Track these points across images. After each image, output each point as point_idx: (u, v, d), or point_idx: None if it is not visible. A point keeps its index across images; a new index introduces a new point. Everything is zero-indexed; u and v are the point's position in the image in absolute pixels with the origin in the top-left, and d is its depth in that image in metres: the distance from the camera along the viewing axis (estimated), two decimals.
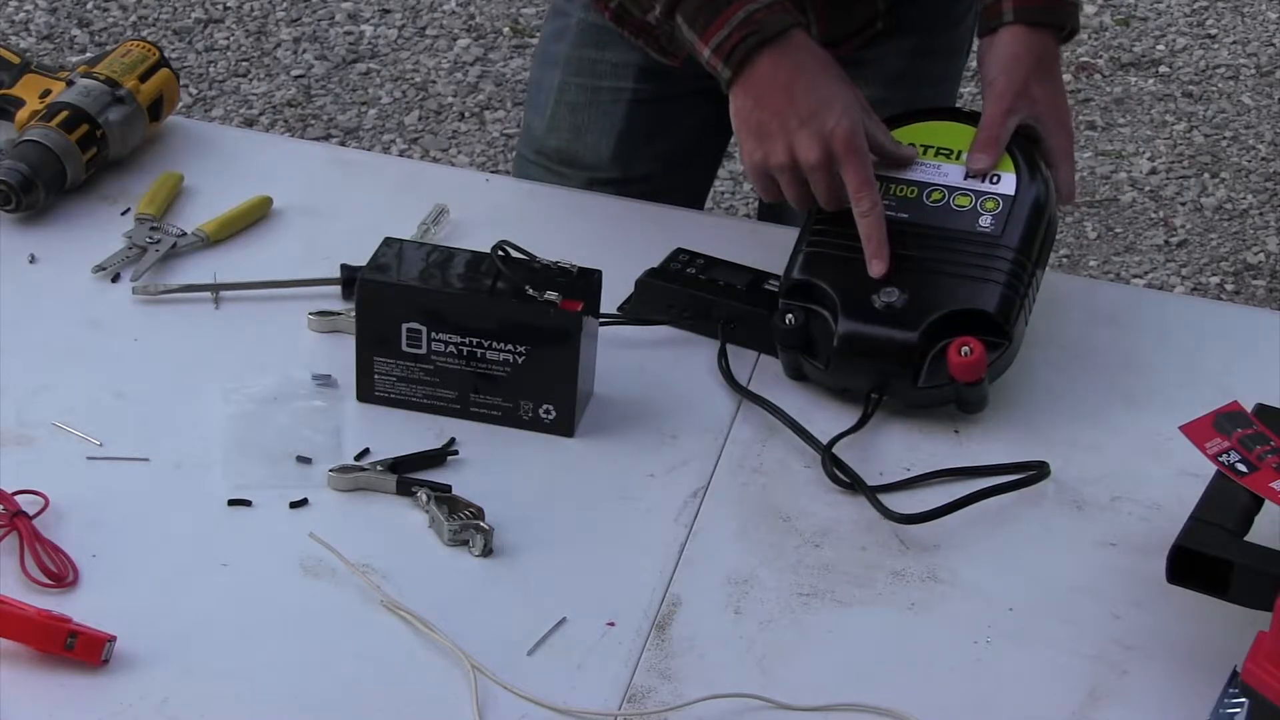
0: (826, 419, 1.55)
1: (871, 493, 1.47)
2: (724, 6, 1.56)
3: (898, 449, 1.54)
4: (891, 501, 1.47)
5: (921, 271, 1.56)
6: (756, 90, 1.56)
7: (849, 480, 1.49)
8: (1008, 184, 1.60)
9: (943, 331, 1.53)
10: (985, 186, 1.60)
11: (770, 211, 1.97)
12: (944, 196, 1.60)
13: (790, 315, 1.56)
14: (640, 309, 1.65)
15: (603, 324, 1.56)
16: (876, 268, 1.54)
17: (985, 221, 1.58)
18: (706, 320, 1.63)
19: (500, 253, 1.51)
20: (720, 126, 2.00)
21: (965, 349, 1.51)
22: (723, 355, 1.60)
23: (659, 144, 1.90)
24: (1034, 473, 1.50)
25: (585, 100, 1.86)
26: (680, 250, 1.69)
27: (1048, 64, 1.63)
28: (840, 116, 1.54)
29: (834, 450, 1.51)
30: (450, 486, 1.45)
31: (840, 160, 1.54)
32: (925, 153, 1.63)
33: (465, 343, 1.51)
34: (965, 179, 1.61)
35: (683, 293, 1.64)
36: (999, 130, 1.60)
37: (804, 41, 1.58)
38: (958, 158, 1.62)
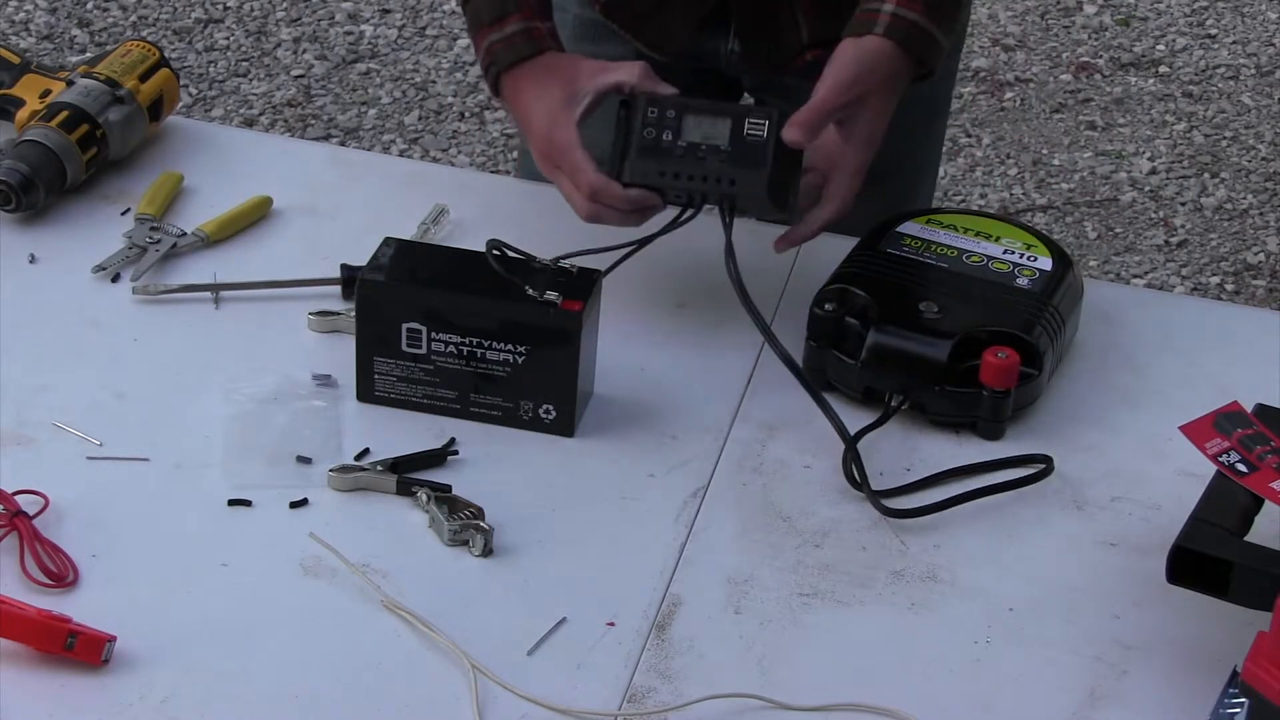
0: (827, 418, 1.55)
1: (875, 496, 1.47)
2: (478, 30, 1.65)
3: (898, 449, 1.54)
4: (897, 503, 1.47)
5: (959, 294, 1.59)
6: (509, 105, 1.65)
7: (858, 480, 1.49)
8: (1044, 264, 1.64)
9: (975, 351, 1.54)
10: (1023, 261, 1.64)
11: None
12: (982, 260, 1.64)
13: (829, 303, 1.57)
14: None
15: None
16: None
17: (1022, 282, 1.62)
18: (703, 202, 1.56)
19: (495, 252, 1.51)
20: None
21: (1001, 353, 1.53)
22: (730, 256, 1.52)
23: None
24: (1041, 468, 1.51)
25: None
26: (639, 97, 1.58)
27: (893, 88, 1.62)
28: (548, 131, 1.59)
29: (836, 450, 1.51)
30: (450, 486, 1.45)
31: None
32: (965, 233, 1.67)
33: (465, 343, 1.51)
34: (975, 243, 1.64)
35: (665, 188, 1.56)
36: (824, 117, 1.57)
37: (529, 70, 1.62)
38: (996, 239, 1.66)
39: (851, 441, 1.50)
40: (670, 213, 1.58)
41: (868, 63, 1.59)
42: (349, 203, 1.80)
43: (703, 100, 1.58)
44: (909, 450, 1.54)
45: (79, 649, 1.28)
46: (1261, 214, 3.51)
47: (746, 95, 1.96)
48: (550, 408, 1.52)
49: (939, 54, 1.64)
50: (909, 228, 1.67)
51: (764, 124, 1.55)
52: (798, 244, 1.61)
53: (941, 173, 3.51)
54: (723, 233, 1.54)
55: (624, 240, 1.57)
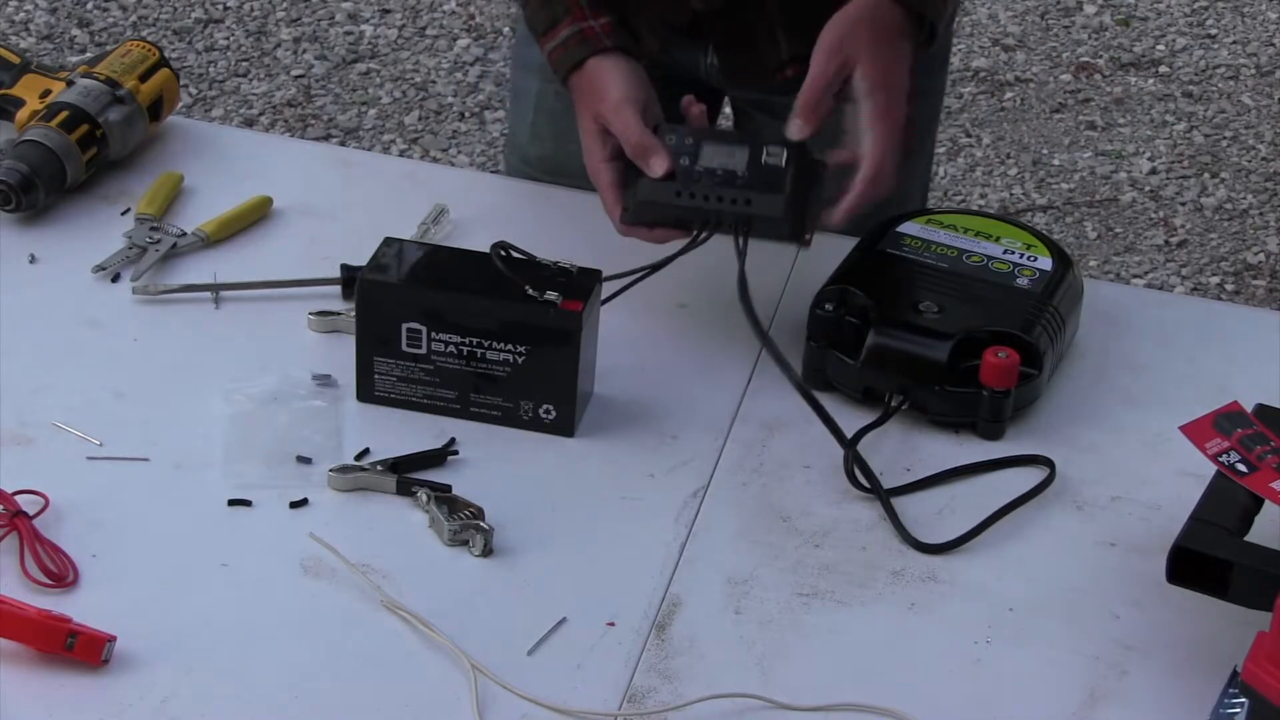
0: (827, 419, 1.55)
1: (888, 497, 1.47)
2: (538, 40, 1.63)
3: (898, 449, 1.54)
4: (896, 504, 1.47)
5: (959, 294, 1.59)
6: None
7: (869, 486, 1.48)
8: (1044, 264, 1.64)
9: (975, 351, 1.55)
10: (1023, 261, 1.64)
11: None
12: (982, 260, 1.64)
13: (829, 303, 1.57)
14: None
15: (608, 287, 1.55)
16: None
17: (1022, 282, 1.62)
18: (718, 225, 1.55)
19: (500, 253, 1.51)
20: None
21: (1001, 353, 1.53)
22: (742, 286, 1.51)
23: None
24: (1047, 474, 1.51)
25: (564, 106, 1.79)
26: (659, 126, 1.58)
27: (889, 37, 1.56)
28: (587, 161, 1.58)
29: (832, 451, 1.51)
30: (450, 486, 1.45)
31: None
32: (965, 233, 1.67)
33: (465, 343, 1.51)
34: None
35: (681, 208, 1.55)
36: (820, 91, 1.53)
37: (585, 78, 1.59)
38: (996, 239, 1.66)
39: (850, 444, 1.50)
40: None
41: (850, 16, 1.55)
42: (349, 203, 1.80)
43: (722, 130, 1.58)
44: (909, 450, 1.54)
45: (79, 649, 1.28)
46: (1261, 214, 3.52)
47: (727, 106, 1.93)
48: (550, 408, 1.52)
49: (937, 4, 1.60)
50: (909, 228, 1.67)
51: (782, 151, 1.54)
52: (853, 212, 1.54)
53: (941, 173, 3.51)
54: (732, 245, 1.53)
55: (645, 258, 1.57)
